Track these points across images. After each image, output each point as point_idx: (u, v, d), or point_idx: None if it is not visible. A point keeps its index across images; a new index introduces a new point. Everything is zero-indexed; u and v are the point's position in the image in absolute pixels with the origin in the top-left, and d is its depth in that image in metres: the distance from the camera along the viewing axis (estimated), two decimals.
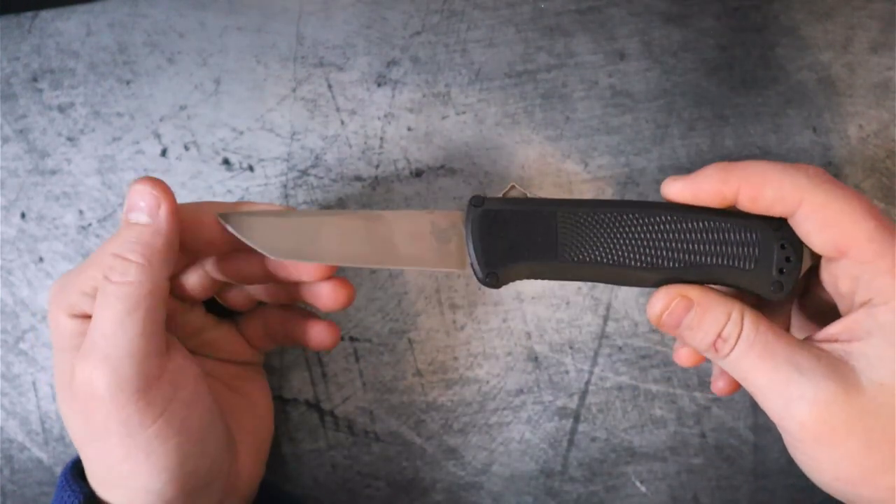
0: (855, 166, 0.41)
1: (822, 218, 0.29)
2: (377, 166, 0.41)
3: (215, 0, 0.42)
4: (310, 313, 0.37)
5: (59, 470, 0.40)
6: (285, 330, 0.37)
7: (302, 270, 0.34)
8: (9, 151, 0.41)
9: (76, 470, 0.33)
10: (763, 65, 0.41)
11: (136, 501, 0.31)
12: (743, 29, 0.41)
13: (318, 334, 0.36)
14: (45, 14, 0.42)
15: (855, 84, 0.41)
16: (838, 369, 0.28)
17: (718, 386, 0.34)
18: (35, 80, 0.42)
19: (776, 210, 0.30)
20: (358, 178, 0.41)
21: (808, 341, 0.30)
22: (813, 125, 0.41)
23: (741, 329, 0.30)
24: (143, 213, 0.30)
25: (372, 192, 0.41)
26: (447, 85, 0.41)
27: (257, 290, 0.37)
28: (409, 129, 0.41)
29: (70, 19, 0.42)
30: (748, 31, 0.41)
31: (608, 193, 0.41)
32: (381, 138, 0.41)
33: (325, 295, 0.35)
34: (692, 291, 0.30)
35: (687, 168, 0.41)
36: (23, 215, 0.41)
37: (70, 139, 0.41)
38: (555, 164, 0.41)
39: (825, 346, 0.29)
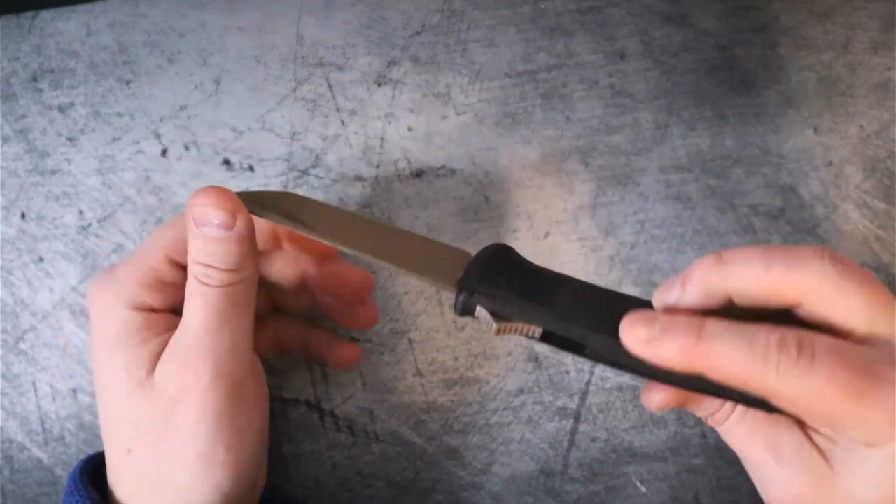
0: (855, 166, 0.41)
1: (798, 411, 0.27)
2: (377, 166, 0.41)
3: (215, 0, 0.42)
4: (330, 330, 0.37)
5: (59, 470, 0.40)
6: (302, 343, 0.37)
7: (344, 277, 0.34)
8: (9, 151, 0.41)
9: (85, 474, 0.32)
10: (763, 65, 0.41)
11: None
12: (743, 29, 0.41)
13: (342, 353, 0.36)
14: (45, 14, 0.42)
15: (855, 84, 0.41)
16: (816, 467, 0.28)
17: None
18: (35, 80, 0.42)
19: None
20: (358, 178, 0.41)
21: (799, 423, 0.29)
22: (813, 125, 0.41)
23: (734, 408, 0.30)
24: (219, 229, 0.30)
25: (372, 192, 0.41)
26: (447, 85, 0.41)
27: (279, 294, 0.37)
28: (409, 129, 0.41)
29: (70, 19, 0.42)
30: (748, 31, 0.41)
31: (609, 193, 0.41)
32: (382, 138, 0.41)
33: (354, 315, 0.35)
34: None
35: (687, 168, 0.41)
36: (23, 215, 0.41)
37: (70, 139, 0.41)
38: (555, 164, 0.41)
39: (813, 434, 0.28)
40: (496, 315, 0.28)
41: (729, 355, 0.25)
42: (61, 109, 0.42)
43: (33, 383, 0.41)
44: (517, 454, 0.40)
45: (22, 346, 0.41)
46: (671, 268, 0.40)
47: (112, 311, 0.31)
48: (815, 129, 0.41)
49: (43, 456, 0.41)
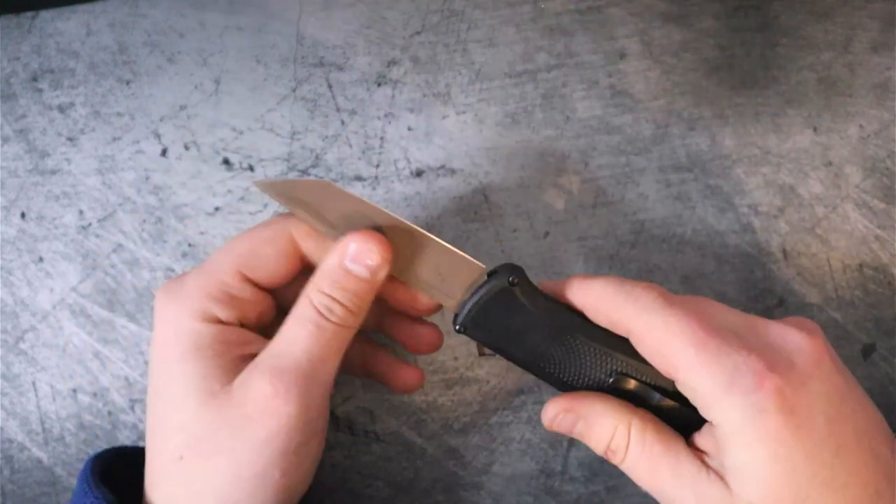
0: (855, 166, 0.41)
1: (647, 347, 0.30)
2: (377, 166, 0.41)
3: (215, 0, 0.42)
4: (394, 353, 0.37)
5: (59, 470, 0.40)
6: (366, 364, 0.37)
7: (412, 299, 0.34)
8: (9, 151, 0.41)
9: (96, 474, 0.32)
10: (763, 65, 0.41)
11: None
12: (743, 29, 0.41)
13: (408, 377, 0.36)
14: (45, 14, 0.42)
15: (855, 84, 0.41)
16: (716, 487, 0.29)
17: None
18: (35, 80, 0.42)
19: (619, 332, 0.32)
20: (358, 178, 0.41)
21: (697, 452, 0.31)
22: (813, 125, 0.41)
23: (628, 441, 0.31)
24: (366, 270, 0.31)
25: (372, 191, 0.41)
26: (447, 85, 0.41)
27: None
28: (409, 128, 0.41)
29: (70, 19, 0.42)
30: (748, 31, 0.41)
31: (608, 193, 0.41)
32: (382, 138, 0.41)
33: (420, 336, 0.36)
34: (579, 405, 0.32)
35: (687, 168, 0.41)
36: (23, 215, 0.41)
37: (70, 139, 0.41)
38: (555, 163, 0.41)
39: (707, 459, 0.30)
40: (482, 344, 0.34)
41: (601, 289, 0.31)
42: (61, 109, 0.42)
43: (33, 383, 0.41)
44: (517, 454, 0.40)
45: (22, 346, 0.41)
46: (671, 268, 0.40)
47: (182, 323, 0.31)
48: (815, 129, 0.41)
49: (43, 456, 0.41)
